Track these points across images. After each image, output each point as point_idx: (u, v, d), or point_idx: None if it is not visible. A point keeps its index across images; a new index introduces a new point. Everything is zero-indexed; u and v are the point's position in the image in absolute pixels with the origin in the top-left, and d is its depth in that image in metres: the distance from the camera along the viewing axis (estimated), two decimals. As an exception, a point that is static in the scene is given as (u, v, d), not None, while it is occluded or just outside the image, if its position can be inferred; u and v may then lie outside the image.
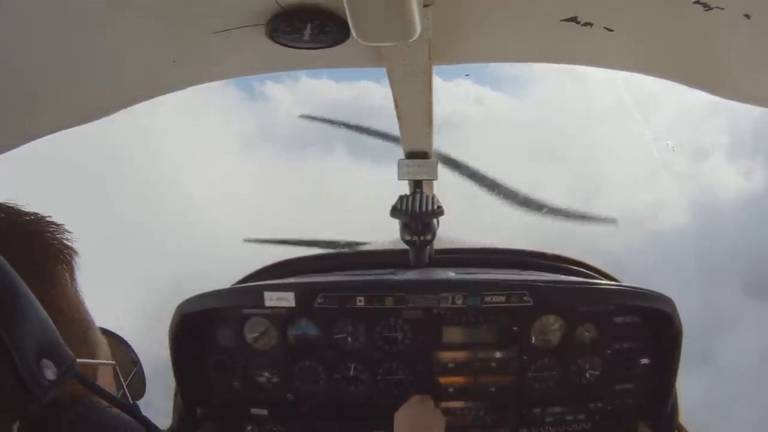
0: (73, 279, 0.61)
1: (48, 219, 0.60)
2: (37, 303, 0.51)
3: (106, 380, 0.65)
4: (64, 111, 1.23)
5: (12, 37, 0.93)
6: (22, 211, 0.58)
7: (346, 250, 2.33)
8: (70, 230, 0.61)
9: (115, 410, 0.58)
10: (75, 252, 0.61)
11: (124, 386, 0.74)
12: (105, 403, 0.59)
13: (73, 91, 1.18)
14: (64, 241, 0.60)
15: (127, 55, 1.13)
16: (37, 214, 0.59)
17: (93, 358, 0.63)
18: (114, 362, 0.73)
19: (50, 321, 0.52)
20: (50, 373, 0.49)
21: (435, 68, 1.31)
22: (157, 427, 0.61)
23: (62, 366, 0.51)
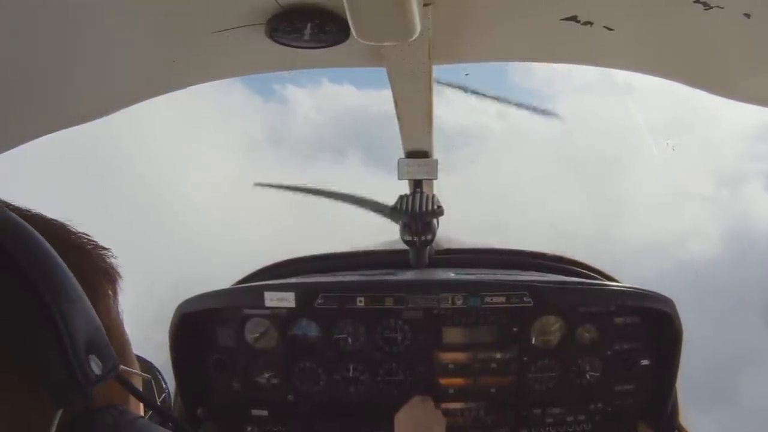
0: (116, 299, 0.63)
1: (96, 241, 0.62)
2: (89, 303, 0.53)
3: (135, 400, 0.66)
4: (64, 111, 1.23)
5: (12, 36, 0.93)
6: (74, 229, 0.61)
7: (346, 250, 2.32)
8: (116, 255, 0.63)
9: (145, 420, 0.60)
10: (120, 276, 0.64)
11: (159, 403, 0.74)
12: (136, 412, 0.60)
13: (73, 91, 1.18)
14: (111, 263, 0.63)
15: (127, 55, 1.12)
16: (87, 234, 0.61)
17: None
18: (150, 377, 0.72)
19: (99, 321, 0.54)
20: (96, 368, 0.51)
21: (436, 68, 1.32)
22: None
23: (107, 364, 0.52)
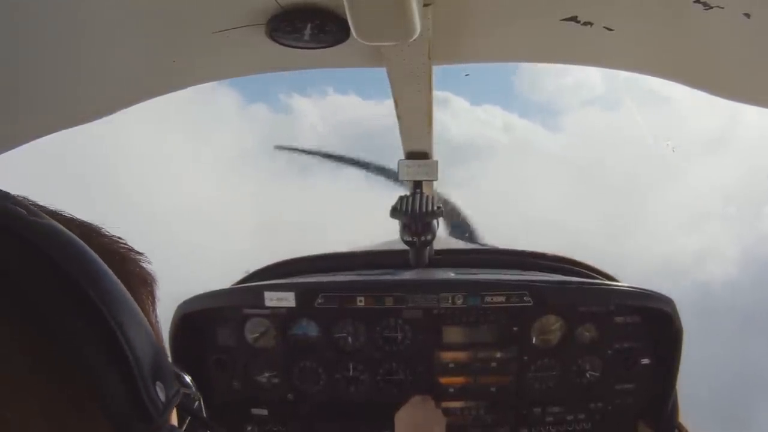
0: (154, 308, 0.58)
1: (130, 245, 0.57)
2: (147, 321, 0.48)
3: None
4: (64, 111, 1.22)
5: (12, 37, 0.93)
6: (108, 233, 0.55)
7: (346, 250, 2.33)
8: (150, 260, 0.58)
9: None
10: (156, 281, 0.58)
11: (208, 420, 0.71)
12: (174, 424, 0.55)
13: (73, 91, 1.18)
14: (146, 268, 0.57)
15: (127, 55, 1.12)
16: (120, 237, 0.56)
17: None
18: (198, 393, 0.72)
19: (156, 341, 0.49)
20: (162, 396, 0.46)
21: (436, 68, 1.31)
22: None
23: (171, 390, 0.47)
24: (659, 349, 1.73)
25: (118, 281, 0.46)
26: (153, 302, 0.57)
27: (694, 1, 0.95)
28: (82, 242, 0.46)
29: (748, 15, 0.95)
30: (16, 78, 1.03)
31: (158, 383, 0.46)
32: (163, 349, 0.52)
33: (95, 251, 0.47)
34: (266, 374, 1.78)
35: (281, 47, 1.09)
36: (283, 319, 1.75)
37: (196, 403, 0.81)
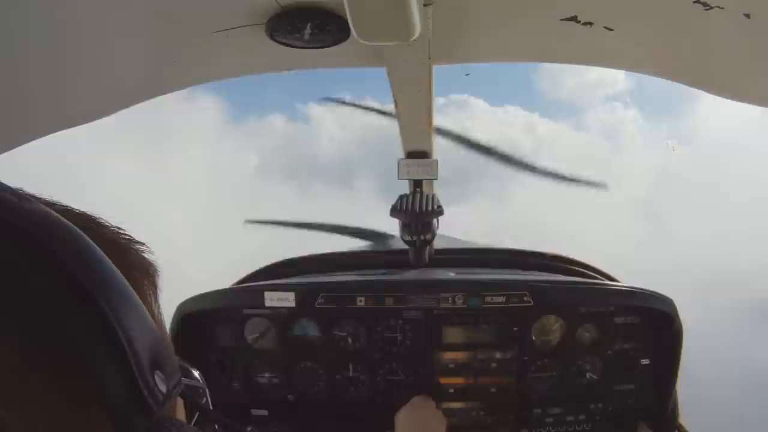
0: (156, 299, 0.56)
1: (131, 235, 0.55)
2: (144, 308, 0.46)
3: (179, 407, 0.58)
4: (64, 111, 1.22)
5: (11, 36, 0.93)
6: (107, 223, 0.54)
7: (346, 250, 2.33)
8: (152, 250, 0.56)
9: None
10: (158, 273, 0.56)
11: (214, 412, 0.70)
12: (180, 417, 0.54)
13: (73, 92, 1.18)
14: (148, 259, 0.56)
15: (127, 55, 1.12)
16: (121, 228, 0.54)
17: None
18: (205, 385, 0.71)
19: (157, 328, 0.47)
20: (161, 385, 0.44)
21: (436, 68, 1.32)
22: None
23: (172, 379, 0.46)
24: (659, 350, 1.73)
25: (114, 267, 0.45)
26: (155, 293, 0.55)
27: (694, 1, 0.95)
28: (75, 228, 0.44)
29: (748, 15, 0.96)
30: (16, 79, 1.03)
31: (157, 372, 0.44)
32: (165, 340, 0.50)
33: (94, 242, 0.46)
34: (266, 375, 1.78)
35: (281, 47, 1.09)
36: (283, 319, 1.75)
37: (204, 399, 0.80)
